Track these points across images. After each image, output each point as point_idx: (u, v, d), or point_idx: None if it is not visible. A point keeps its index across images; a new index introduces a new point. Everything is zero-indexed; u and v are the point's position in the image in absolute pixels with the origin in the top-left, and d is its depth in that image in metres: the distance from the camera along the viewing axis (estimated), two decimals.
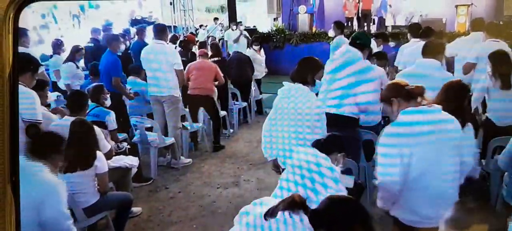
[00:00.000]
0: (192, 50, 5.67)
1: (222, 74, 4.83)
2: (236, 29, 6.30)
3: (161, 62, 4.14)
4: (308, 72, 2.88)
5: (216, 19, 6.94)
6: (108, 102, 3.68)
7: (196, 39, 6.59)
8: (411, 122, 2.10)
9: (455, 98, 2.41)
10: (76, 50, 4.62)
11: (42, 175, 2.16)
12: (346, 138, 3.03)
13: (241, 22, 6.52)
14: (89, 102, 3.45)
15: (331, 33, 5.05)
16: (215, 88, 4.79)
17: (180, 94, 4.28)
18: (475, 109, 3.40)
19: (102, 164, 2.81)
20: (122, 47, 4.44)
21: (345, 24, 6.42)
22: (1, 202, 1.72)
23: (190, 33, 6.46)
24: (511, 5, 3.15)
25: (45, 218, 2.10)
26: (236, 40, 6.10)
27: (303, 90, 2.82)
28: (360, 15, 6.37)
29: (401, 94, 2.18)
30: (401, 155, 2.06)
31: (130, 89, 4.41)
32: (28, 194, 1.80)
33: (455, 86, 2.52)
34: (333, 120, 3.06)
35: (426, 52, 3.24)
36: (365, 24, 6.61)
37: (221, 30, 7.01)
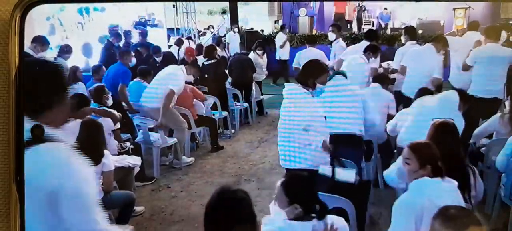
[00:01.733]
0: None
1: (200, 92, 4.79)
2: (237, 32, 6.32)
3: (159, 78, 4.24)
4: (309, 75, 2.93)
5: (224, 12, 6.84)
6: (110, 102, 3.75)
7: (199, 41, 6.59)
8: (430, 194, 2.09)
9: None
10: (76, 69, 4.59)
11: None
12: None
13: (284, 25, 6.44)
14: (92, 102, 3.53)
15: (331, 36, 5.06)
16: (199, 103, 4.77)
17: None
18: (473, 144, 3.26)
19: (109, 162, 2.92)
20: (134, 60, 4.48)
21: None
22: (6, 202, 1.76)
23: (188, 37, 6.43)
24: (508, 8, 3.18)
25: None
26: (282, 45, 6.06)
27: (300, 92, 2.87)
28: (333, 18, 6.29)
29: (435, 168, 2.16)
30: (417, 227, 2.06)
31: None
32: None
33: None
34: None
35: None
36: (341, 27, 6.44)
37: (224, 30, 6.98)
